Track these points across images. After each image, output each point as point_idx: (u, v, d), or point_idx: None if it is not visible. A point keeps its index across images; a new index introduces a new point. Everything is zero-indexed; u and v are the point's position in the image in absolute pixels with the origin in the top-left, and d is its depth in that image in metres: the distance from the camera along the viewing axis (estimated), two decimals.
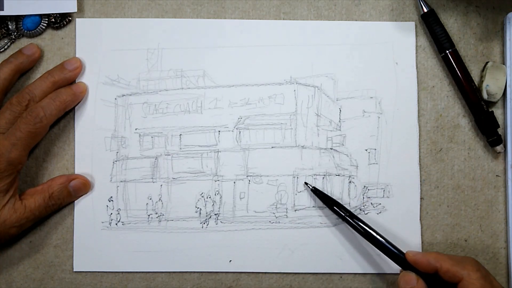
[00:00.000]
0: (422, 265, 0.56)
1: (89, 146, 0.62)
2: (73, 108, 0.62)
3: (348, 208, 0.61)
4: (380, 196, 0.62)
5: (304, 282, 0.62)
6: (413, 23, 0.63)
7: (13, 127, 0.58)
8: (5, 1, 0.62)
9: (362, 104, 0.63)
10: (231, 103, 0.63)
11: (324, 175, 0.62)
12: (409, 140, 0.63)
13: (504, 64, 0.63)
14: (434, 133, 0.63)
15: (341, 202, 0.61)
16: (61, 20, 0.63)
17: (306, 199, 0.62)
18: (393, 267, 0.60)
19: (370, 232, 0.58)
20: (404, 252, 0.57)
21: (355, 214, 0.60)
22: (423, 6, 0.62)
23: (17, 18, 0.63)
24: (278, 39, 0.63)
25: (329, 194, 0.61)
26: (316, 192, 0.61)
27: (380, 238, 0.58)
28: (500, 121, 0.63)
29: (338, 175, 0.63)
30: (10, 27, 0.63)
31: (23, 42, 0.63)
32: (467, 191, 0.63)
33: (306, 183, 0.62)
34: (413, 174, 0.62)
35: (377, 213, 0.62)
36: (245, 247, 0.62)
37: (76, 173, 0.62)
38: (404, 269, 0.57)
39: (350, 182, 0.63)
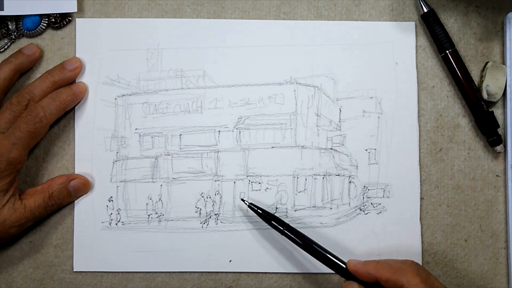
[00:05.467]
0: (362, 276, 0.55)
1: (89, 146, 0.62)
2: (73, 108, 0.62)
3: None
4: (380, 196, 0.62)
5: (304, 282, 0.62)
6: (413, 23, 0.63)
7: (13, 127, 0.58)
8: (5, 1, 0.62)
9: (362, 104, 0.63)
10: (231, 103, 0.63)
11: (324, 175, 0.62)
12: (409, 140, 0.63)
13: (504, 64, 0.63)
14: (434, 133, 0.63)
15: (278, 216, 0.60)
16: (61, 20, 0.63)
17: (306, 199, 0.62)
18: None
19: (309, 244, 0.57)
20: (346, 262, 0.56)
21: (293, 226, 0.58)
22: (423, 6, 0.62)
23: (17, 18, 0.63)
24: (278, 39, 0.63)
25: (265, 209, 0.60)
26: (253, 208, 0.59)
27: (320, 250, 0.57)
28: (500, 121, 0.63)
29: (338, 175, 0.63)
30: (10, 27, 0.63)
31: (23, 42, 0.63)
32: (467, 191, 0.63)
33: (242, 199, 0.61)
34: (413, 174, 0.62)
35: (377, 213, 0.62)
36: (245, 247, 0.62)
37: (76, 173, 0.62)
38: (347, 279, 0.56)
39: (350, 182, 0.63)
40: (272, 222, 0.59)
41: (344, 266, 0.56)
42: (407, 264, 0.54)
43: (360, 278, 0.55)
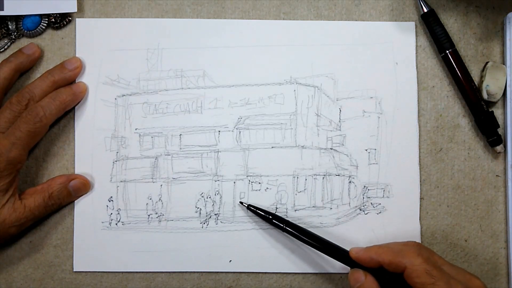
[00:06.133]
0: (365, 262, 0.55)
1: (89, 146, 0.62)
2: (73, 108, 0.62)
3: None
4: (380, 196, 0.62)
5: (304, 282, 0.62)
6: (413, 23, 0.64)
7: (12, 127, 0.58)
8: (5, 1, 0.62)
9: (362, 104, 0.63)
10: (231, 103, 0.63)
11: (324, 175, 0.62)
12: (409, 140, 0.63)
13: (504, 64, 0.63)
14: (434, 133, 0.63)
15: (279, 214, 0.61)
16: (61, 20, 0.63)
17: (306, 199, 0.62)
18: None
19: (311, 237, 0.58)
20: (348, 250, 0.57)
21: (295, 223, 0.59)
22: (423, 6, 0.62)
23: (17, 18, 0.63)
24: (278, 39, 0.63)
25: (264, 208, 0.60)
26: (252, 209, 0.60)
27: (322, 241, 0.58)
28: (500, 121, 0.63)
29: (338, 175, 0.63)
30: (10, 27, 0.63)
31: (23, 42, 0.63)
32: (467, 191, 0.63)
33: (241, 202, 0.61)
34: (413, 174, 0.62)
35: (377, 213, 0.62)
36: (245, 247, 0.62)
37: (76, 173, 0.62)
38: (352, 268, 0.56)
39: (350, 182, 0.63)
40: (273, 220, 0.59)
41: (347, 255, 0.56)
42: (408, 246, 0.54)
43: (363, 264, 0.55)
